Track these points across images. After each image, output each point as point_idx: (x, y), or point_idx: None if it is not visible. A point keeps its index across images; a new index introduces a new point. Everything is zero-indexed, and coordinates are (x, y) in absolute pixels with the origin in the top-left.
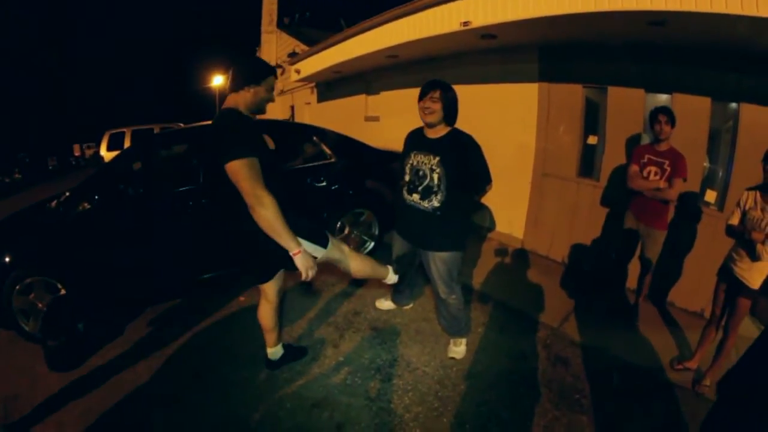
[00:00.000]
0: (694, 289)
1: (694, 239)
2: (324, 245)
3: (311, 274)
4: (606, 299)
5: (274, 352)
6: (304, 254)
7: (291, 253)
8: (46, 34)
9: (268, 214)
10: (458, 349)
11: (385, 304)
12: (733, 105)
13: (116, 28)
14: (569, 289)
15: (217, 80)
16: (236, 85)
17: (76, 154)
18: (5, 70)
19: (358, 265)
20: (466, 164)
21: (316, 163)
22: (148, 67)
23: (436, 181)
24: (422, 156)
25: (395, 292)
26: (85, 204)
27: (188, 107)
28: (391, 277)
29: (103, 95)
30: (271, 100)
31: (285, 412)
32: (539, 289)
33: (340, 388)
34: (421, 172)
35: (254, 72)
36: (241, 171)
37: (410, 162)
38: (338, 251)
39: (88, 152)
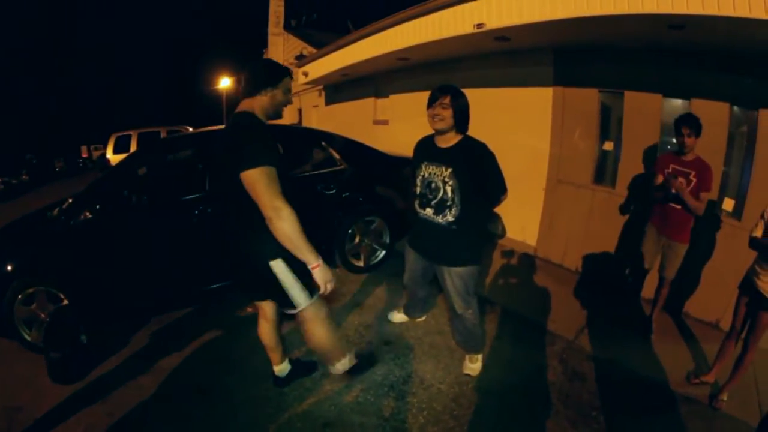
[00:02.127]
0: (709, 300)
1: (711, 249)
2: (312, 294)
3: (329, 287)
4: (621, 310)
5: (281, 369)
6: (323, 267)
7: (310, 267)
8: (53, 34)
9: (286, 227)
10: (474, 366)
11: (398, 316)
12: (752, 111)
13: (123, 30)
14: (583, 299)
15: (224, 82)
16: (252, 89)
17: (84, 155)
18: (11, 70)
19: (323, 333)
20: (480, 175)
21: (325, 170)
22: (155, 69)
23: (449, 194)
24: (434, 167)
25: (408, 305)
26: (88, 213)
27: (195, 110)
28: (339, 368)
29: (110, 97)
30: (289, 102)
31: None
32: (553, 299)
33: (352, 407)
34: (433, 185)
35: (270, 74)
36: (260, 181)
37: (421, 174)
38: (318, 308)
39: (96, 154)
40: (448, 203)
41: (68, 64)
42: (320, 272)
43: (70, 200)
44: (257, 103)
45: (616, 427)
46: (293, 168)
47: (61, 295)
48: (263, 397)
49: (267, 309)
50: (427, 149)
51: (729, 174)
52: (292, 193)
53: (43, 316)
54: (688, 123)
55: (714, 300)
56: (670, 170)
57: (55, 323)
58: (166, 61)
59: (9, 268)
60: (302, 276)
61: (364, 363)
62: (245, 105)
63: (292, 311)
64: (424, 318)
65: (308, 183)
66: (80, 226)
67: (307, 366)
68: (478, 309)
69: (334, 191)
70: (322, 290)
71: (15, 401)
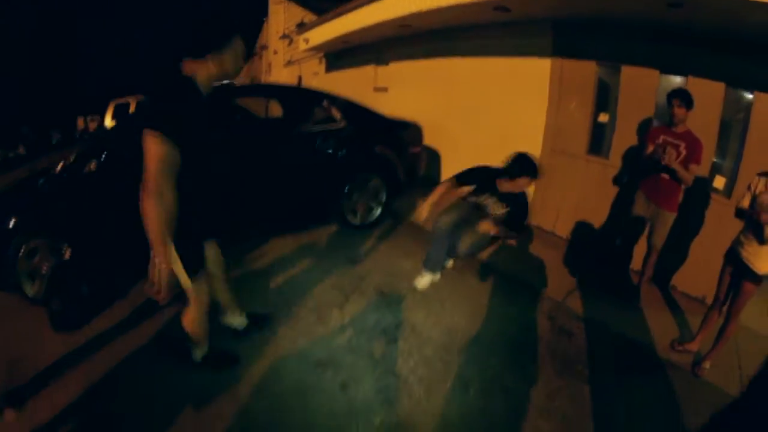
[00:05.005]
0: (696, 275)
1: (700, 224)
2: (191, 275)
3: (161, 295)
4: (609, 278)
5: (240, 323)
6: (166, 270)
7: (152, 254)
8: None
9: (148, 207)
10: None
11: (423, 280)
12: (746, 93)
13: None
14: (572, 265)
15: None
16: (196, 51)
17: (80, 127)
18: (6, 43)
19: (196, 318)
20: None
21: (325, 127)
22: (154, 38)
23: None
24: (493, 201)
25: (433, 259)
26: (92, 166)
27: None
28: (197, 354)
29: (106, 66)
30: (239, 67)
31: (288, 370)
32: (544, 264)
33: (344, 349)
34: (486, 208)
35: (218, 36)
36: (152, 149)
37: (479, 199)
38: (197, 291)
39: (92, 125)
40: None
41: (62, 33)
42: (158, 270)
43: (72, 158)
44: (202, 69)
45: (600, 381)
46: (295, 125)
47: (63, 248)
48: (258, 339)
49: (210, 268)
50: (492, 185)
51: (721, 152)
52: (293, 149)
53: (45, 269)
54: (679, 95)
55: (701, 275)
56: (661, 141)
57: (58, 275)
58: (165, 29)
59: (12, 222)
60: (185, 258)
61: (222, 361)
62: (187, 68)
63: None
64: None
65: (309, 139)
66: (82, 181)
67: (263, 318)
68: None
69: (333, 148)
70: (146, 288)
71: (16, 353)
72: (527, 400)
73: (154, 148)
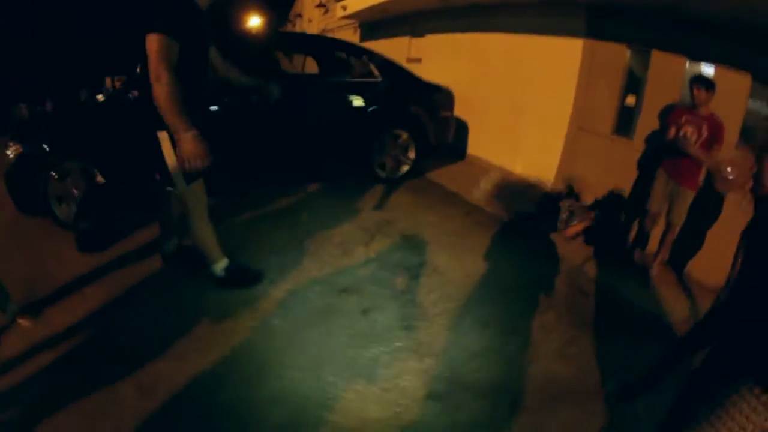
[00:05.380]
0: (711, 264)
1: (719, 212)
2: (188, 181)
3: (195, 163)
4: (626, 253)
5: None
6: (192, 139)
7: (176, 136)
8: None
9: (160, 92)
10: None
11: None
12: None
13: None
14: (592, 237)
15: (254, 21)
16: None
17: (108, 86)
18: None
19: (202, 229)
20: None
21: (363, 80)
22: None
23: None
24: None
25: None
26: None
27: None
28: (218, 268)
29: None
30: None
31: (314, 294)
32: None
33: (368, 279)
34: None
35: None
36: (153, 45)
37: None
38: (195, 199)
39: (118, 85)
40: None
41: None
42: (186, 143)
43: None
44: None
45: (614, 338)
46: (334, 74)
47: (95, 172)
48: (282, 266)
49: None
50: None
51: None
52: (330, 97)
53: (75, 192)
54: (700, 80)
55: (716, 265)
56: (683, 120)
57: (89, 198)
58: None
59: (45, 145)
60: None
61: (246, 276)
62: None
63: (172, 189)
64: None
65: (345, 88)
66: (118, 106)
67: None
68: None
69: (369, 99)
70: (186, 165)
71: (41, 268)
72: (545, 344)
73: (154, 44)
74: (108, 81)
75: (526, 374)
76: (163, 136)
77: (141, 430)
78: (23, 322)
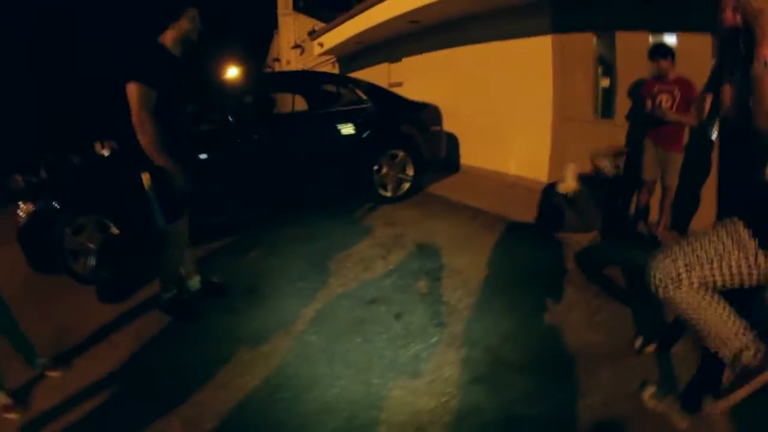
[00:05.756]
0: (712, 219)
1: (708, 169)
2: (170, 220)
3: (185, 188)
4: (629, 227)
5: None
6: (179, 173)
7: (170, 171)
8: (53, 30)
9: (144, 140)
10: None
11: None
12: None
13: (124, 16)
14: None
15: (232, 72)
16: (163, 27)
17: (98, 150)
18: (19, 70)
19: (173, 258)
20: None
21: (353, 107)
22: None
23: None
24: None
25: None
26: None
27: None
28: (164, 296)
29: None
30: (196, 27)
31: (344, 308)
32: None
33: (392, 288)
34: None
35: (172, 11)
36: (132, 94)
37: None
38: (176, 236)
39: (107, 150)
40: None
41: (71, 60)
42: (177, 176)
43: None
44: (168, 36)
45: (634, 301)
46: (326, 106)
47: (110, 224)
48: (309, 288)
49: None
50: None
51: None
52: (324, 127)
53: (91, 245)
54: (656, 51)
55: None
56: (655, 90)
57: (106, 249)
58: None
59: (56, 204)
60: (163, 199)
61: (182, 309)
62: (161, 38)
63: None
64: None
65: (338, 118)
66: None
67: (218, 289)
68: None
69: (362, 125)
70: (177, 185)
71: (64, 322)
72: (570, 317)
73: (134, 92)
74: (98, 145)
75: (559, 345)
76: (145, 178)
77: None
78: (53, 374)
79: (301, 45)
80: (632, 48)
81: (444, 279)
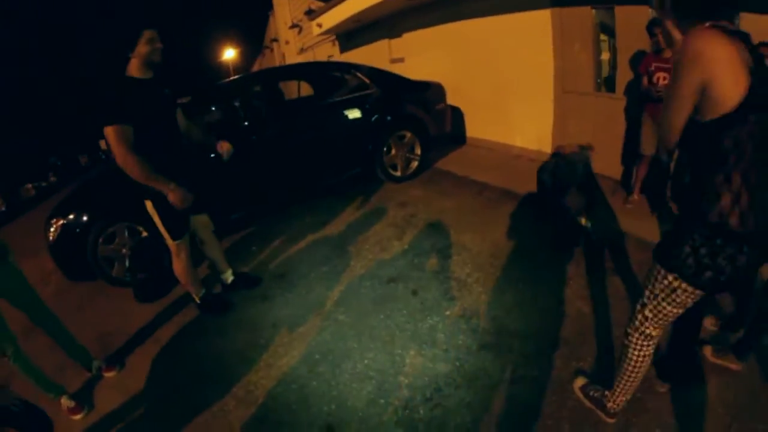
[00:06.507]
0: None
1: None
2: (173, 236)
3: (184, 204)
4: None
5: (227, 276)
6: (175, 191)
7: (166, 193)
8: (56, 29)
9: (134, 173)
10: None
11: None
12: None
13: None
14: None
15: (229, 53)
16: (126, 56)
17: (103, 147)
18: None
19: (179, 269)
20: None
21: (359, 93)
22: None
23: None
24: None
25: None
26: None
27: (201, 83)
28: (197, 295)
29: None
30: (156, 48)
31: (367, 288)
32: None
33: (409, 266)
34: None
35: (133, 37)
36: (109, 137)
37: None
38: (183, 250)
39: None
40: None
41: (70, 58)
42: (172, 195)
43: None
44: (132, 65)
45: (631, 272)
46: (331, 94)
47: (140, 228)
48: (333, 272)
49: (199, 233)
50: None
51: None
52: (332, 116)
53: (124, 251)
54: (656, 22)
55: None
56: (652, 68)
57: (139, 252)
58: (169, 35)
59: (85, 217)
60: (168, 219)
61: (216, 304)
62: (127, 70)
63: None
64: None
65: (345, 105)
66: None
67: (252, 280)
68: None
69: (368, 110)
70: (178, 207)
71: (108, 325)
72: (568, 289)
73: (110, 135)
74: (102, 143)
75: (558, 316)
76: (148, 205)
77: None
78: (109, 374)
79: (299, 24)
80: (631, 21)
81: (454, 256)
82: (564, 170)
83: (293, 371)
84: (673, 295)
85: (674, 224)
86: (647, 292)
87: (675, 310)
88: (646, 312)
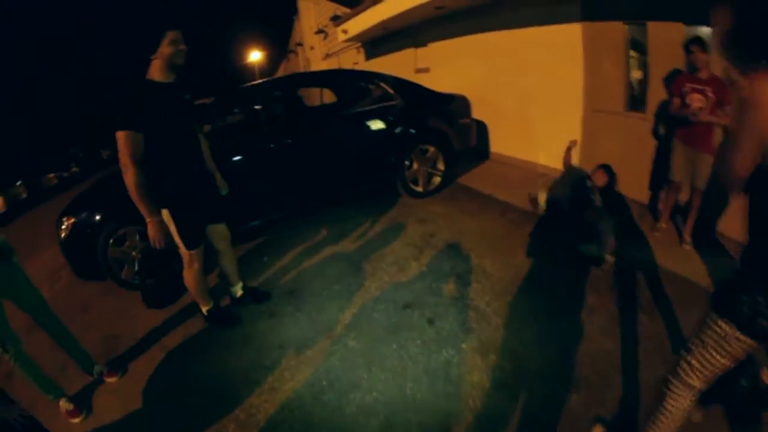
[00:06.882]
0: (739, 219)
1: None
2: (188, 246)
3: (158, 244)
4: (656, 227)
5: (235, 290)
6: (154, 225)
7: (146, 220)
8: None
9: (128, 183)
10: None
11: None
12: None
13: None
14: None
15: (255, 55)
16: (148, 58)
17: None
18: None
19: (190, 279)
20: None
21: (383, 104)
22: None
23: None
24: None
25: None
26: None
27: (226, 85)
28: (203, 310)
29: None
30: (179, 50)
31: (380, 313)
32: None
33: (425, 291)
34: None
35: (156, 39)
36: (118, 142)
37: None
38: (193, 259)
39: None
40: None
41: (93, 50)
42: (151, 228)
43: None
44: (154, 67)
45: (655, 307)
46: (355, 104)
47: None
48: (346, 291)
49: (215, 243)
50: None
51: None
52: (354, 126)
53: (134, 254)
54: (696, 41)
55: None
56: (687, 89)
57: (149, 256)
58: (195, 36)
59: (97, 217)
60: (184, 229)
61: (223, 318)
62: (148, 73)
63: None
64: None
65: (368, 115)
66: None
67: (261, 294)
68: None
69: (392, 121)
70: (151, 242)
71: (114, 327)
72: (590, 325)
73: (120, 140)
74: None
75: (580, 353)
76: (164, 213)
77: None
78: (110, 380)
79: (324, 30)
80: (665, 39)
81: (473, 283)
82: (561, 189)
83: (298, 397)
84: (723, 343)
85: (733, 272)
86: (695, 339)
87: (723, 361)
88: (692, 360)
